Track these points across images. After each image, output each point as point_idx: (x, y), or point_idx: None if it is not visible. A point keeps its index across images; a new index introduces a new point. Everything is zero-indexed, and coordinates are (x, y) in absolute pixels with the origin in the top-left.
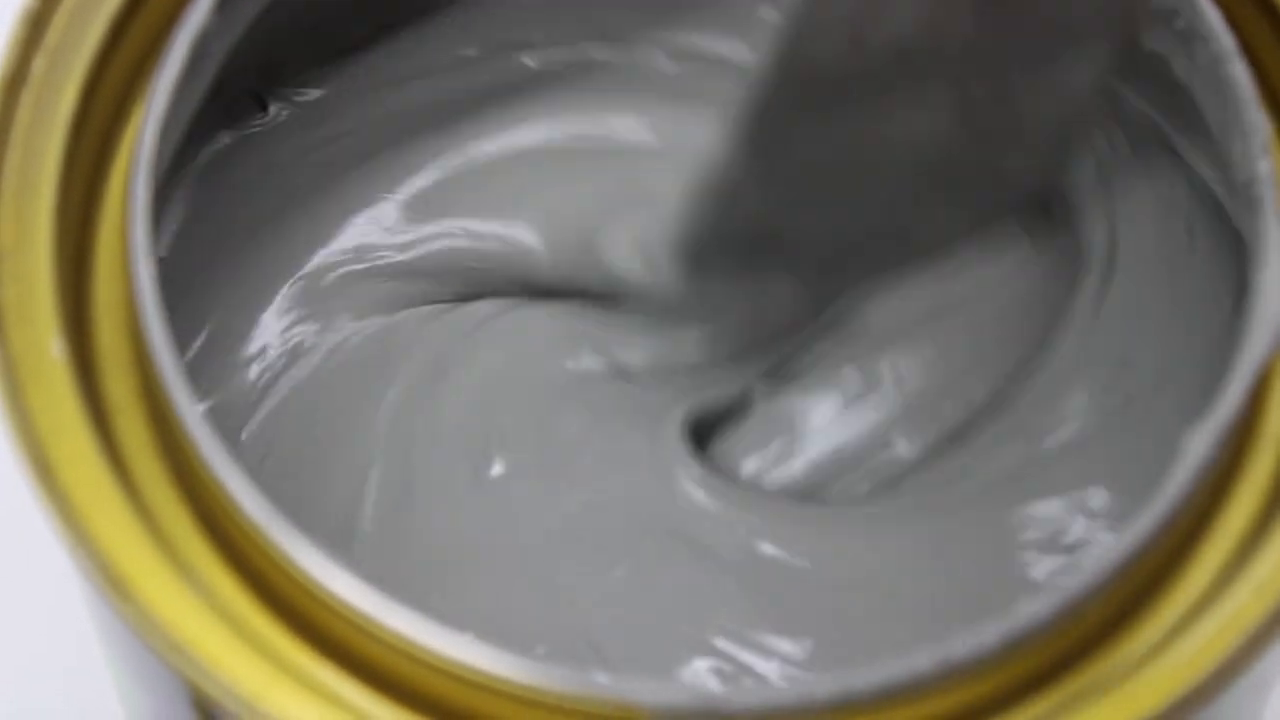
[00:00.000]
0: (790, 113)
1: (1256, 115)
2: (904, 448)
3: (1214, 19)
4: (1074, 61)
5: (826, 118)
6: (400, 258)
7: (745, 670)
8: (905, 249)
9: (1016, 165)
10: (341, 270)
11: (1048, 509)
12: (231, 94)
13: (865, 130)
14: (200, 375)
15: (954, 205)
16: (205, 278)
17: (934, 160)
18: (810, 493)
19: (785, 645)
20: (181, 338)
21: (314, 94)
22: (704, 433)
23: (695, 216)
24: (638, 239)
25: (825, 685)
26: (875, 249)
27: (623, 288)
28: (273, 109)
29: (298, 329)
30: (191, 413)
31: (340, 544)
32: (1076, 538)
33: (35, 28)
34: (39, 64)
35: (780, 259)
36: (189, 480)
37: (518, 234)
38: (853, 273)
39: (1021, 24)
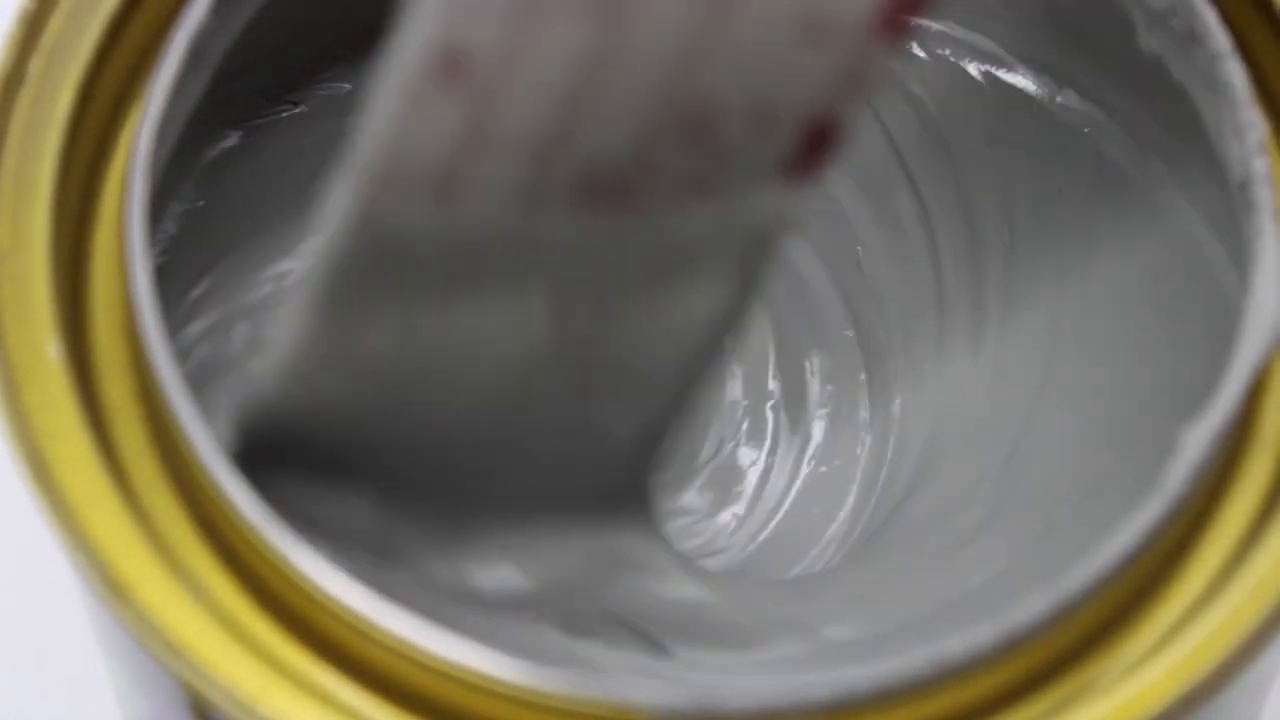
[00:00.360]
0: (365, 289)
1: (1252, 115)
2: None
3: (1210, 18)
4: (687, 294)
5: (408, 302)
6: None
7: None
8: (505, 490)
9: (615, 416)
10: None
11: None
12: (247, 90)
13: (451, 327)
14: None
15: (552, 451)
16: (215, 250)
17: (526, 393)
18: None
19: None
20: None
21: (345, 87)
22: None
23: (256, 405)
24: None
25: (823, 685)
26: (472, 481)
27: None
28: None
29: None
30: (189, 414)
31: None
32: None
33: (32, 28)
34: (35, 65)
35: (360, 470)
36: (186, 482)
37: None
38: (449, 505)
39: (626, 234)
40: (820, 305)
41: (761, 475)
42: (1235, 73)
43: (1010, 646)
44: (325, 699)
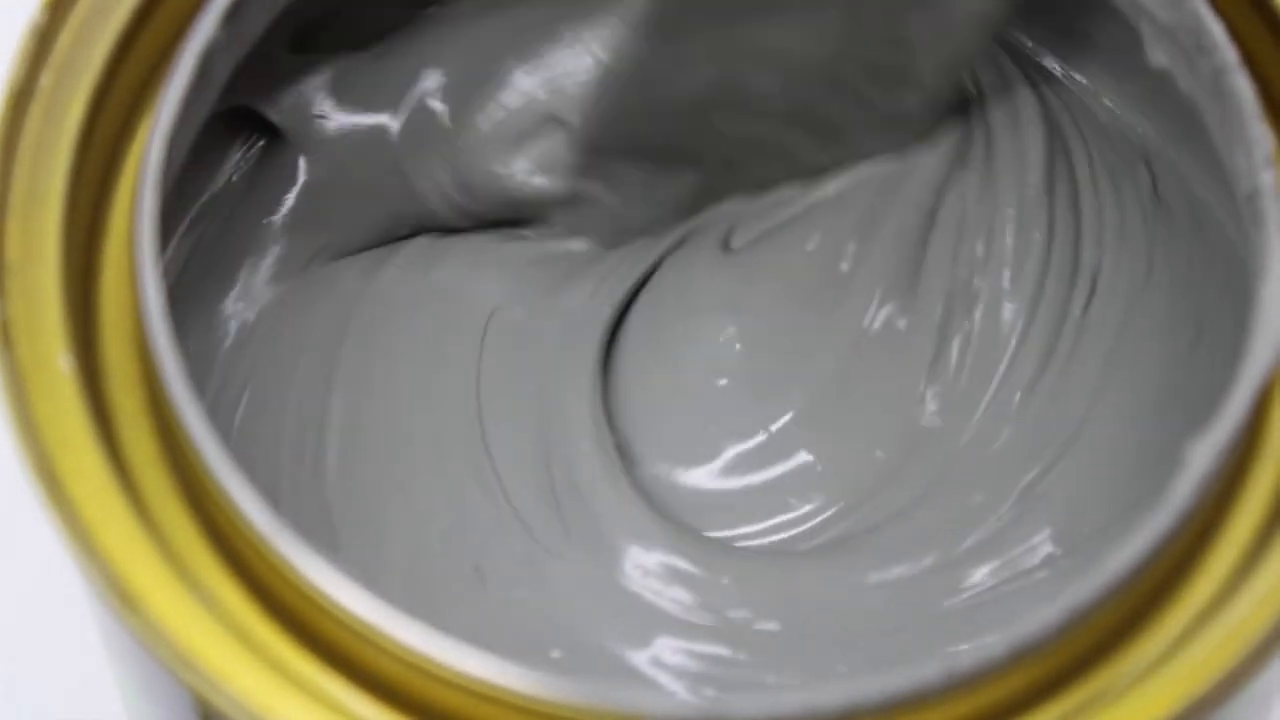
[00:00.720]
0: (683, 14)
1: (1259, 128)
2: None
3: (1217, 32)
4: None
5: (722, 13)
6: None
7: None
8: (794, 163)
9: (899, 102)
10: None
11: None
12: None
13: (760, 34)
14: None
15: (838, 129)
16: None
17: (821, 83)
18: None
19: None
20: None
21: None
22: None
23: (599, 102)
24: (540, 154)
25: (831, 695)
26: (765, 157)
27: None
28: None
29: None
30: (199, 426)
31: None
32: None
33: (43, 42)
34: (46, 78)
35: (675, 154)
36: (196, 493)
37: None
38: (741, 176)
39: None
40: (927, 334)
41: (774, 439)
42: (1242, 86)
43: (1019, 657)
44: (334, 708)
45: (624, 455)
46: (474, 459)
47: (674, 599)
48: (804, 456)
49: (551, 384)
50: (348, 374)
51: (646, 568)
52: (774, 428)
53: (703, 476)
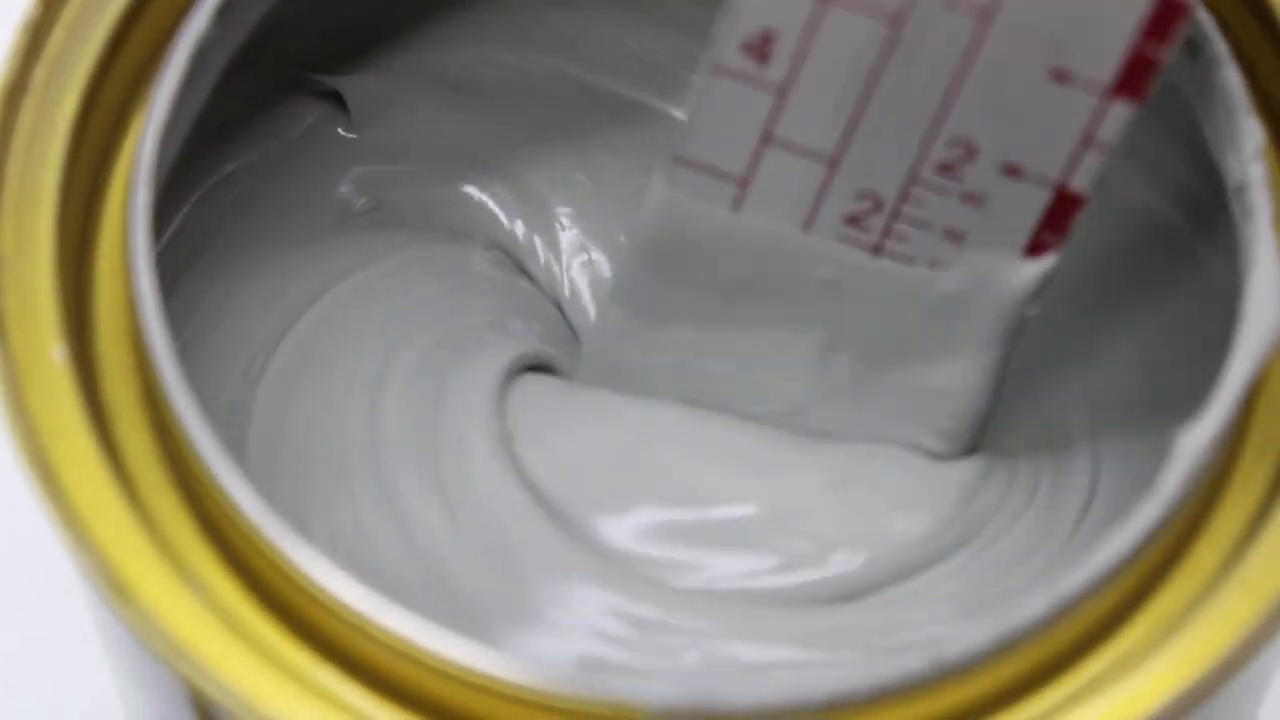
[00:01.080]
0: (667, 298)
1: (1249, 121)
2: None
3: (1207, 23)
4: (941, 361)
5: (698, 300)
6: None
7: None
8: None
9: (879, 427)
10: None
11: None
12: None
13: (735, 332)
14: None
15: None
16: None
17: (801, 385)
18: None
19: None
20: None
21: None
22: None
23: (585, 366)
24: None
25: (822, 684)
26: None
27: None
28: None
29: None
30: (192, 418)
31: None
32: None
33: (36, 37)
34: (39, 73)
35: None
36: (190, 484)
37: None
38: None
39: (887, 274)
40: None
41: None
42: (1233, 79)
43: (1007, 647)
44: (327, 697)
45: (511, 451)
46: (367, 440)
47: (584, 600)
48: (759, 552)
49: (455, 377)
50: (319, 312)
51: (544, 570)
52: (720, 515)
53: (623, 529)
